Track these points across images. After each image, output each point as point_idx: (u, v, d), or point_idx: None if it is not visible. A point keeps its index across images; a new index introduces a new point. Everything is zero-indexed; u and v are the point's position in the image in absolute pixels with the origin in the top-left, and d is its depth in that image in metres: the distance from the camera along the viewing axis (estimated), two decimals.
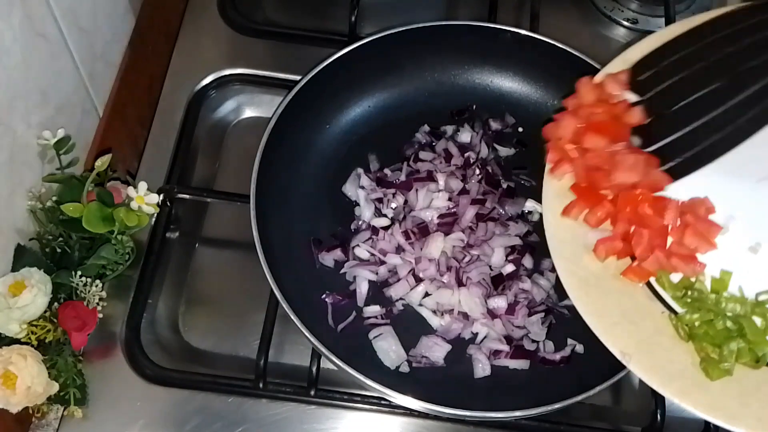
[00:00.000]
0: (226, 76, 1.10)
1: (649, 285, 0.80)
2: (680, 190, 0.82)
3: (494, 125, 1.04)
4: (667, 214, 0.80)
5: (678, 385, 0.73)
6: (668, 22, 1.07)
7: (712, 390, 0.73)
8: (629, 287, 0.80)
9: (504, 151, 1.03)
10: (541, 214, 0.97)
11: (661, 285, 0.79)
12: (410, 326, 0.91)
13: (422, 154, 1.01)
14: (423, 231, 0.94)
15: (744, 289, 0.78)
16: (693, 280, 0.79)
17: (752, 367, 0.75)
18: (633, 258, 0.80)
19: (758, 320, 0.76)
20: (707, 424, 0.87)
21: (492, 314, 0.91)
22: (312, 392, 0.88)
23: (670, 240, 0.80)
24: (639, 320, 0.77)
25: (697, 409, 0.72)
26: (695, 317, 0.76)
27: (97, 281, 0.89)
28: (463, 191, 0.97)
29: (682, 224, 0.80)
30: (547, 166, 0.86)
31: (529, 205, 0.98)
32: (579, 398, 0.81)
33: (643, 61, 0.87)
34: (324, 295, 0.93)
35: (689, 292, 0.78)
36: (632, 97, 0.83)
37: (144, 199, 0.91)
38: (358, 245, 0.95)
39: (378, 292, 0.93)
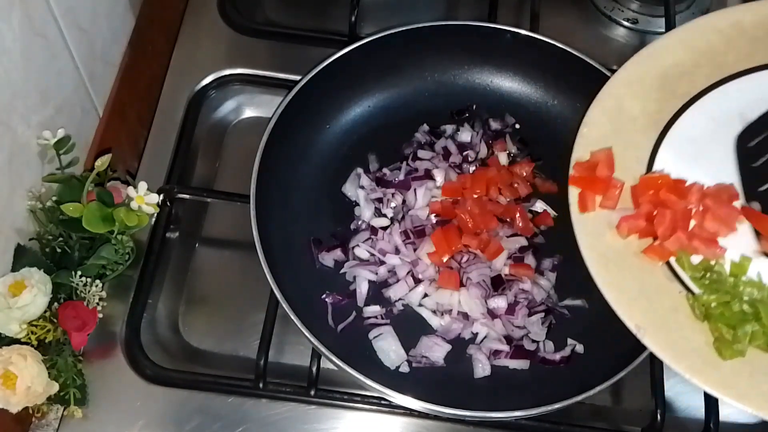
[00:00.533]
0: (226, 76, 1.10)
1: (668, 265, 0.80)
2: (707, 176, 0.83)
3: (494, 125, 1.04)
4: (689, 197, 0.81)
5: (690, 362, 0.74)
6: (668, 22, 1.07)
7: (724, 369, 0.74)
8: (649, 265, 0.81)
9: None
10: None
11: (681, 265, 0.80)
12: (410, 326, 0.91)
13: (421, 153, 1.01)
14: (420, 233, 0.94)
15: (762, 275, 0.79)
16: (713, 263, 0.80)
17: (764, 350, 0.76)
18: (655, 238, 0.81)
19: None
20: (707, 423, 0.87)
21: (492, 314, 0.91)
22: (312, 392, 0.88)
23: (693, 223, 0.81)
24: (656, 297, 0.78)
25: (708, 386, 0.73)
26: (712, 298, 0.77)
27: (97, 281, 0.89)
28: None
29: (705, 208, 0.81)
30: (574, 153, 0.86)
31: (539, 206, 0.98)
32: (579, 398, 0.81)
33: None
34: (324, 295, 0.93)
35: (708, 274, 0.79)
36: None
37: (144, 199, 0.90)
38: (357, 245, 0.95)
39: (378, 292, 0.93)
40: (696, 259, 0.80)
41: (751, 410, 0.72)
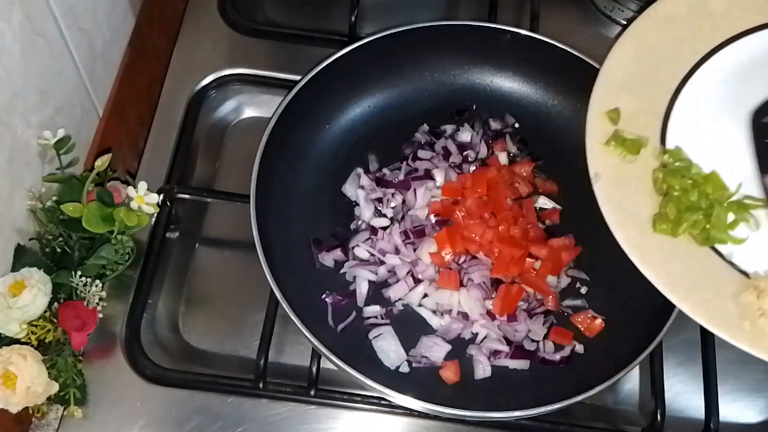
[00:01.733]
0: (226, 76, 1.10)
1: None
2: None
3: (494, 125, 1.04)
4: None
5: (621, 219, 0.76)
6: None
7: (647, 238, 0.76)
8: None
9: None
10: None
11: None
12: (410, 326, 0.92)
13: (421, 153, 1.01)
14: (419, 233, 0.94)
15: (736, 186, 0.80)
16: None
17: (695, 241, 0.77)
18: None
19: (731, 216, 0.78)
20: (707, 424, 0.87)
21: (491, 315, 0.91)
22: (312, 392, 0.88)
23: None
24: (631, 163, 0.80)
25: (625, 243, 0.75)
26: (677, 181, 0.79)
27: (97, 281, 0.89)
28: None
29: None
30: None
31: (542, 201, 0.98)
32: (579, 398, 0.81)
33: None
34: (324, 295, 0.93)
35: (679, 163, 0.81)
36: None
37: (144, 199, 0.90)
38: (357, 245, 0.95)
39: (378, 292, 0.93)
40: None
41: (649, 276, 0.73)
